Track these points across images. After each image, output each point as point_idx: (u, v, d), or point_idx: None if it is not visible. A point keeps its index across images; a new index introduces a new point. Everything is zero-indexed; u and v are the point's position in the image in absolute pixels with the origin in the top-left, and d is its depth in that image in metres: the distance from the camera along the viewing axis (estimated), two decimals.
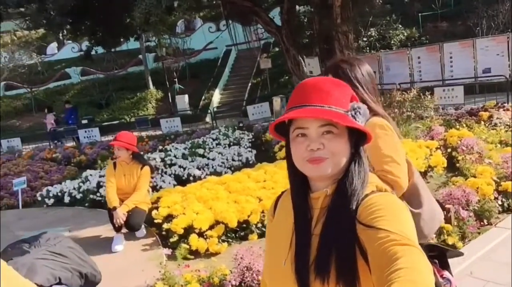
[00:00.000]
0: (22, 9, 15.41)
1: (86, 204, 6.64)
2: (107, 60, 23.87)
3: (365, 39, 18.63)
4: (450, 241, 3.77)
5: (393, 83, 13.89)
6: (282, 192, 1.34)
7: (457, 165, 5.89)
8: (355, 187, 1.11)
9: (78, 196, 6.83)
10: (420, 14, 18.82)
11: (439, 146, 6.60)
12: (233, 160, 7.92)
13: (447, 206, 3.99)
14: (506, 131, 7.26)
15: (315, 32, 12.50)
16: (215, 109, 17.76)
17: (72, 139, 15.27)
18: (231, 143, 9.06)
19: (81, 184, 7.04)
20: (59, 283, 1.53)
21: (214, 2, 17.95)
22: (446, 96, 11.04)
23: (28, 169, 9.73)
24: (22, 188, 7.30)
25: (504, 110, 8.61)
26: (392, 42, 18.28)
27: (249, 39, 18.11)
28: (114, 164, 4.96)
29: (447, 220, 3.87)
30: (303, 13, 15.76)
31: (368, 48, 18.53)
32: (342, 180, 1.13)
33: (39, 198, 7.24)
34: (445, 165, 5.94)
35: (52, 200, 7.03)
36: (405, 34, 18.44)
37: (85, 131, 14.87)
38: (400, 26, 18.63)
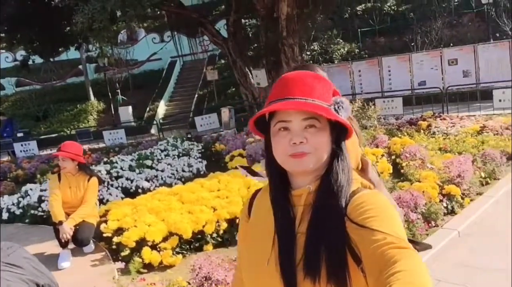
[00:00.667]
0: None
1: (27, 220, 6.23)
2: (45, 70, 22.79)
3: (308, 52, 19.17)
4: None
5: None
6: (257, 191, 1.30)
7: (402, 171, 6.16)
8: (340, 184, 1.09)
9: (18, 211, 6.40)
10: (359, 30, 19.68)
11: (383, 154, 6.89)
12: (183, 171, 7.79)
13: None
14: (444, 138, 7.71)
15: (262, 44, 12.68)
16: (161, 121, 17.45)
17: (8, 154, 14.35)
18: (180, 154, 8.90)
19: (20, 199, 6.60)
20: None
21: (158, 12, 17.74)
22: (386, 107, 11.56)
23: None
24: None
25: (441, 119, 9.15)
26: (334, 56, 18.95)
27: (195, 50, 18.05)
28: (59, 175, 4.70)
29: None
30: (249, 25, 15.97)
31: (311, 61, 19.07)
32: (325, 176, 1.11)
33: None
34: (391, 171, 6.20)
35: None
36: (346, 48, 19.19)
37: (22, 145, 14.00)
38: (341, 40, 19.38)
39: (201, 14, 14.48)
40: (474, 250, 4.00)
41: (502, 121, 8.35)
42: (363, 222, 1.00)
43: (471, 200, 5.09)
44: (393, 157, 6.77)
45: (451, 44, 15.95)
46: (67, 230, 4.34)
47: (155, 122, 17.78)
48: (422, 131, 8.50)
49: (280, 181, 1.16)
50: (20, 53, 23.53)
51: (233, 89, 19.42)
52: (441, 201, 4.75)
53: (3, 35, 14.45)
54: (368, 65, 16.20)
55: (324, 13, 15.32)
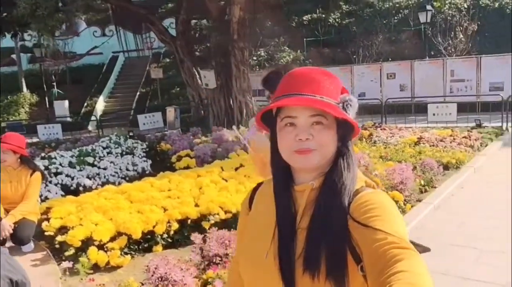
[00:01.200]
0: None
1: None
2: None
3: (254, 58, 19.38)
4: None
5: None
6: (259, 184, 1.31)
7: None
8: (344, 182, 1.09)
9: None
10: (305, 39, 20.21)
11: None
12: (127, 169, 7.54)
13: None
14: (385, 147, 8.11)
15: (212, 45, 12.64)
16: (100, 117, 16.79)
17: None
18: (124, 152, 8.60)
19: None
20: None
21: (102, 5, 17.08)
22: None
23: None
24: None
25: (381, 129, 9.61)
26: (280, 62, 19.29)
27: (140, 47, 17.54)
28: None
29: None
30: (199, 25, 15.84)
31: (258, 66, 19.30)
32: (330, 173, 1.11)
33: None
34: None
35: None
36: (292, 56, 19.63)
37: None
38: (287, 48, 19.79)
39: (149, 10, 14.16)
40: None
41: (437, 134, 8.94)
42: (365, 221, 1.00)
43: (412, 206, 5.38)
44: None
45: (390, 59, 16.84)
46: (6, 227, 4.05)
47: (93, 118, 17.09)
48: (364, 139, 8.88)
49: (283, 176, 1.16)
50: None
51: (178, 89, 19.14)
52: None
53: None
54: None
55: (272, 19, 15.58)
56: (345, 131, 1.12)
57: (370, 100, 14.37)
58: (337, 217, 1.05)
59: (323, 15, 20.76)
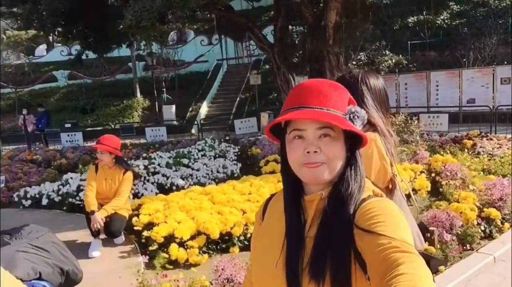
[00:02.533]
0: (15, 9, 15.24)
1: (64, 208, 6.48)
2: (96, 66, 23.70)
3: (354, 62, 18.91)
4: None
5: None
6: (272, 195, 1.33)
7: (441, 189, 5.93)
8: (351, 192, 1.10)
9: (57, 199, 6.66)
10: (409, 42, 19.22)
11: (423, 170, 6.66)
12: (217, 172, 7.85)
13: (431, 228, 3.99)
14: (489, 159, 7.37)
15: (307, 51, 12.63)
16: (201, 121, 17.72)
17: (41, 142, 15.19)
18: (217, 155, 9.00)
19: (60, 187, 6.87)
20: (40, 278, 1.45)
21: (208, 15, 18.07)
22: (431, 123, 11.23)
23: (6, 170, 9.48)
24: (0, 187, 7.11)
25: (487, 139, 8.76)
26: (381, 67, 18.59)
27: (240, 54, 18.25)
28: (96, 167, 4.86)
29: (431, 242, 3.87)
30: (296, 32, 15.95)
31: None
32: (338, 183, 1.12)
33: (16, 199, 7.04)
34: (429, 189, 5.99)
35: (29, 202, 6.84)
36: (394, 60, 18.78)
37: (68, 135, 14.64)
38: (389, 52, 18.99)
39: (249, 19, 14.61)
40: (508, 277, 3.79)
41: None
42: (369, 227, 1.01)
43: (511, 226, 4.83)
44: (432, 174, 6.54)
45: (505, 62, 15.27)
46: (98, 220, 4.47)
47: (196, 122, 18.07)
48: (466, 150, 8.18)
49: (293, 186, 1.18)
50: (75, 48, 24.64)
51: (275, 94, 19.41)
52: (479, 224, 4.53)
53: (59, 29, 15.09)
54: (416, 79, 15.79)
55: (374, 23, 15.09)
56: (353, 141, 1.13)
57: (480, 107, 13.19)
58: (342, 226, 1.06)
59: (430, 17, 19.54)
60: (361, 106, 2.04)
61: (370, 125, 2.04)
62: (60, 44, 28.85)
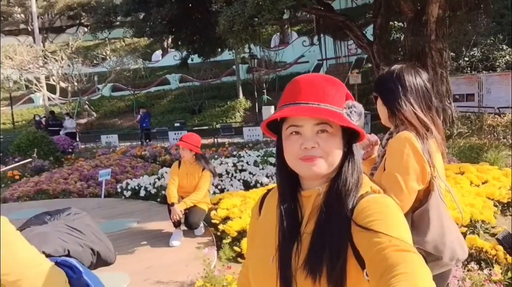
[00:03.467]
0: (129, 18, 16.87)
1: (158, 199, 7.02)
2: (204, 69, 25.16)
3: (466, 59, 17.45)
4: None
5: (492, 107, 12.83)
6: (268, 190, 1.32)
7: None
8: (349, 187, 1.09)
9: (153, 191, 7.25)
10: None
11: None
12: None
13: None
14: None
15: (407, 48, 12.00)
16: None
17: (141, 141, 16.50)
18: None
19: (156, 180, 7.46)
20: (68, 255, 1.63)
21: (308, 16, 18.11)
22: None
23: (117, 163, 10.53)
24: (106, 179, 7.94)
25: None
26: (497, 63, 16.90)
27: (339, 54, 17.93)
28: (179, 163, 5.19)
29: None
30: (395, 28, 15.24)
31: (469, 68, 17.33)
32: (335, 179, 1.11)
33: (119, 190, 7.81)
34: None
35: (129, 193, 7.54)
36: None
37: (175, 133, 15.80)
38: (507, 47, 17.17)
39: (347, 17, 14.34)
40: None
41: None
42: (367, 224, 1.00)
43: None
44: None
45: None
46: (177, 211, 4.78)
47: None
48: None
49: (290, 182, 1.17)
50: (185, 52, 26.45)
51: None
52: None
53: (168, 36, 16.34)
54: None
55: (489, 15, 13.76)
56: (350, 136, 1.12)
57: None
58: (340, 222, 1.05)
59: None
60: (395, 103, 1.94)
61: (410, 124, 1.93)
62: (173, 50, 31.19)
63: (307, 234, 1.09)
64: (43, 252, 1.56)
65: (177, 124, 19.61)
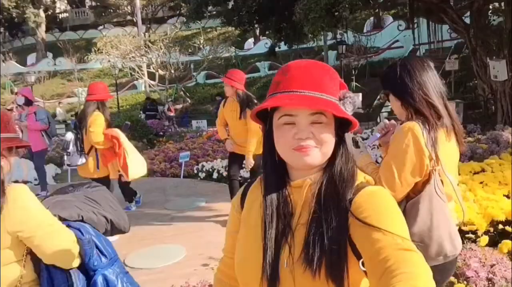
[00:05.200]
0: (219, 8, 17.46)
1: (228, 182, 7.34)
2: (294, 56, 25.17)
3: None
4: None
5: None
6: (249, 183, 1.27)
7: None
8: (345, 177, 1.07)
9: (224, 173, 7.60)
10: None
11: None
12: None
13: None
14: None
15: (507, 32, 10.91)
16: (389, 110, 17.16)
17: None
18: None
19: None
20: (82, 221, 1.89)
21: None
22: None
23: (200, 147, 11.13)
24: (186, 161, 8.47)
25: None
26: None
27: (438, 38, 16.82)
28: (225, 101, 5.19)
29: None
30: (494, 10, 13.87)
31: None
32: (328, 168, 1.09)
33: (196, 171, 8.30)
34: None
35: (203, 174, 7.99)
36: None
37: None
38: None
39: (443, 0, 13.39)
40: None
41: None
42: (366, 219, 0.98)
43: None
44: None
45: None
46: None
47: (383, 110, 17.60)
48: None
49: (278, 172, 1.13)
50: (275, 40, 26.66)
51: (475, 81, 17.31)
52: None
53: (256, 24, 16.61)
54: None
55: None
56: (342, 125, 1.09)
57: None
58: (337, 213, 1.03)
59: None
60: (406, 93, 1.92)
61: (421, 114, 1.92)
62: (265, 38, 31.61)
63: (301, 225, 1.06)
64: (59, 216, 1.82)
65: None
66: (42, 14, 36.81)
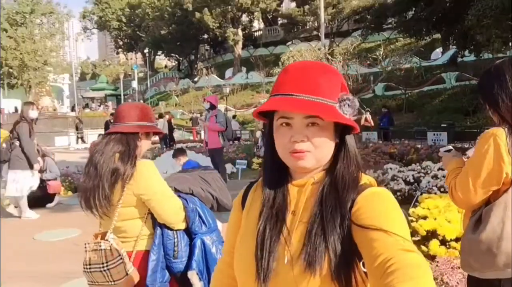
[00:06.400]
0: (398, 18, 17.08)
1: None
2: (484, 67, 22.67)
3: None
4: None
5: None
6: (252, 183, 1.29)
7: None
8: (346, 181, 1.07)
9: None
10: None
11: None
12: None
13: None
14: None
15: None
16: None
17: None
18: None
19: None
20: (192, 194, 2.41)
21: None
22: None
23: (363, 158, 11.13)
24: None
25: None
26: None
27: None
28: None
29: None
30: None
31: None
32: (330, 168, 1.10)
33: None
34: None
35: None
36: None
37: (434, 134, 15.18)
38: None
39: None
40: None
41: None
42: (369, 220, 0.99)
43: None
44: None
45: None
46: None
47: None
48: None
49: (279, 170, 1.15)
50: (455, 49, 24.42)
51: None
52: None
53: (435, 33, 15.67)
54: None
55: None
56: (344, 127, 1.09)
57: None
58: (341, 211, 1.04)
59: None
60: (492, 99, 1.88)
61: (504, 120, 1.87)
62: (454, 47, 29.25)
63: (302, 223, 1.07)
64: (174, 188, 2.37)
65: (443, 125, 18.62)
66: (240, 33, 41.51)
